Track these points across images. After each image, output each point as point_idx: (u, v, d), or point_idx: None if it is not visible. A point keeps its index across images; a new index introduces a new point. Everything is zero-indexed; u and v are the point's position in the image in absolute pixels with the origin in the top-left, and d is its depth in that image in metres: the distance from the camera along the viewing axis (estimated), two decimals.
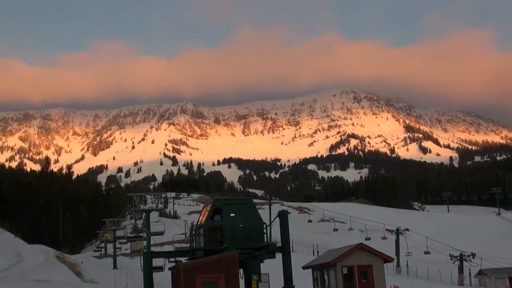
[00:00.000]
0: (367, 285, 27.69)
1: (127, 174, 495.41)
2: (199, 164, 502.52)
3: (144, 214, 49.62)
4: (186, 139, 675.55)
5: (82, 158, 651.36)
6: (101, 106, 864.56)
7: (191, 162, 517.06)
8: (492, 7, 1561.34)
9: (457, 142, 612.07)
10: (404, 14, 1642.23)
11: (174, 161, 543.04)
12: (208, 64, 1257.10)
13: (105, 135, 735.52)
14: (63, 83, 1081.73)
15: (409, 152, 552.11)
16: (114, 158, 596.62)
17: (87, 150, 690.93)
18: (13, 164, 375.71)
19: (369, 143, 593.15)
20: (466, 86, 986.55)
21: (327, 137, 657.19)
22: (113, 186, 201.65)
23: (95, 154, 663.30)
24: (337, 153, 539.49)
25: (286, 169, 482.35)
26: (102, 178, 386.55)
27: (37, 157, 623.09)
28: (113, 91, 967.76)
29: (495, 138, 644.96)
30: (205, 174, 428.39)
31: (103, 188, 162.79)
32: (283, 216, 25.33)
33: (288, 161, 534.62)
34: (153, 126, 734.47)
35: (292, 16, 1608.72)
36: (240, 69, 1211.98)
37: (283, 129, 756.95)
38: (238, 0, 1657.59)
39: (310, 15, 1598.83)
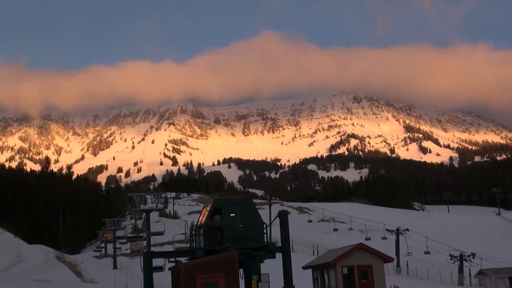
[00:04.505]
0: (367, 285, 27.71)
1: (127, 174, 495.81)
2: (199, 164, 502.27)
3: (144, 214, 49.65)
4: (186, 139, 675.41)
5: (82, 158, 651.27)
6: (102, 106, 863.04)
7: (191, 162, 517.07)
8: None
9: (457, 142, 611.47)
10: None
11: (174, 161, 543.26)
12: (208, 64, 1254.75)
13: (105, 135, 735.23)
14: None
15: (409, 152, 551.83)
16: (114, 158, 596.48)
17: (87, 150, 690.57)
18: (13, 164, 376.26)
19: (369, 143, 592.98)
20: (466, 85, 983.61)
21: (327, 137, 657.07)
22: (113, 186, 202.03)
23: (95, 154, 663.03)
24: (337, 153, 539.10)
25: (286, 169, 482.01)
26: (102, 178, 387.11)
27: (37, 157, 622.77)
28: (114, 94, 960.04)
29: (495, 138, 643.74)
30: (205, 174, 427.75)
31: (103, 188, 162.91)
32: (283, 216, 25.33)
33: (288, 161, 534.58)
34: (153, 126, 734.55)
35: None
36: (240, 69, 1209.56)
37: (283, 129, 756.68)
38: None
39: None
